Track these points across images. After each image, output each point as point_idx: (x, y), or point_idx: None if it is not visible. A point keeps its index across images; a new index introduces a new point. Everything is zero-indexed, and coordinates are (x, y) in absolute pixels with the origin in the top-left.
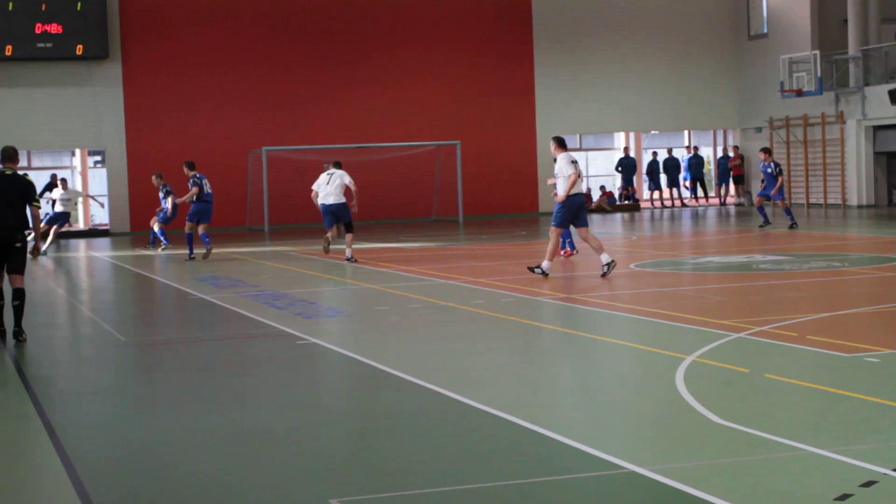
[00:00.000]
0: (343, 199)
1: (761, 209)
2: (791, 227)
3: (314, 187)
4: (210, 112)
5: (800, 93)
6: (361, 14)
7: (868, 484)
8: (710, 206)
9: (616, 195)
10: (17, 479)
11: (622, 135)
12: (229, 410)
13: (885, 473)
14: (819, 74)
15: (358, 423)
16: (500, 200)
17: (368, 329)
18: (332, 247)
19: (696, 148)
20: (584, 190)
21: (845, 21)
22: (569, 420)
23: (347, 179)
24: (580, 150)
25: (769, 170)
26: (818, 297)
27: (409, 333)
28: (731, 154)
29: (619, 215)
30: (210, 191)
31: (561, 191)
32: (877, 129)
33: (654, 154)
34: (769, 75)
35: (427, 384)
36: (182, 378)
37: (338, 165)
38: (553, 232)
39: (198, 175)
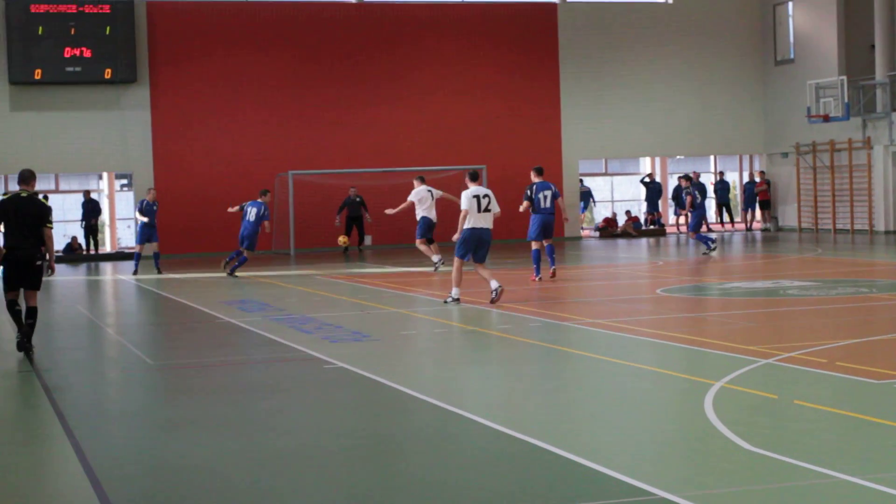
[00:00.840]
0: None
1: (700, 236)
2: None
3: (417, 200)
4: (236, 135)
5: (827, 118)
6: (387, 38)
7: None
8: (735, 231)
9: (641, 220)
10: (46, 500)
11: (648, 159)
12: (257, 434)
13: None
14: (846, 100)
15: (386, 447)
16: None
17: (395, 354)
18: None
19: (721, 173)
20: (483, 225)
21: (872, 46)
22: (599, 446)
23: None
24: (606, 174)
25: (686, 194)
26: (846, 323)
27: (435, 358)
28: (757, 179)
29: (644, 240)
30: (250, 219)
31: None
32: None
33: (680, 179)
34: (796, 100)
35: (454, 409)
36: (210, 401)
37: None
38: (455, 261)
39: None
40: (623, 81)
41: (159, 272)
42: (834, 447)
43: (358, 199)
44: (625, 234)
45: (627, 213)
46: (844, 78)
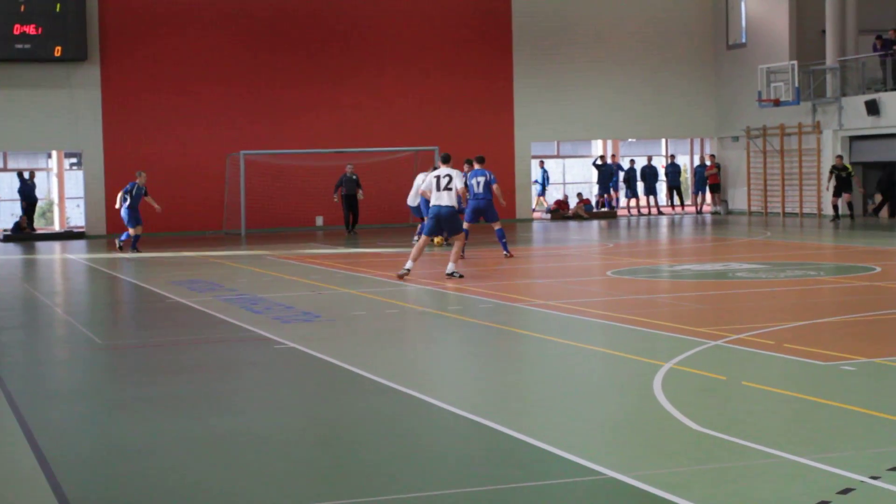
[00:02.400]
0: (455, 204)
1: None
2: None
3: (423, 186)
4: (188, 116)
5: (777, 102)
6: (342, 20)
7: (845, 491)
8: (686, 214)
9: (593, 202)
10: None
11: (600, 142)
12: (207, 414)
13: (861, 481)
14: (797, 84)
15: (336, 427)
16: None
17: (346, 334)
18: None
19: (672, 156)
20: (443, 203)
21: (823, 32)
22: (547, 426)
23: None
24: (558, 156)
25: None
26: (794, 305)
27: (386, 338)
28: (707, 163)
29: (595, 222)
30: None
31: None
32: (853, 139)
33: (632, 162)
34: (747, 85)
35: (405, 388)
36: (159, 381)
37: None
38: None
39: None
40: (576, 64)
41: (135, 251)
42: (781, 428)
43: (354, 177)
44: (576, 217)
45: (579, 195)
46: (795, 63)
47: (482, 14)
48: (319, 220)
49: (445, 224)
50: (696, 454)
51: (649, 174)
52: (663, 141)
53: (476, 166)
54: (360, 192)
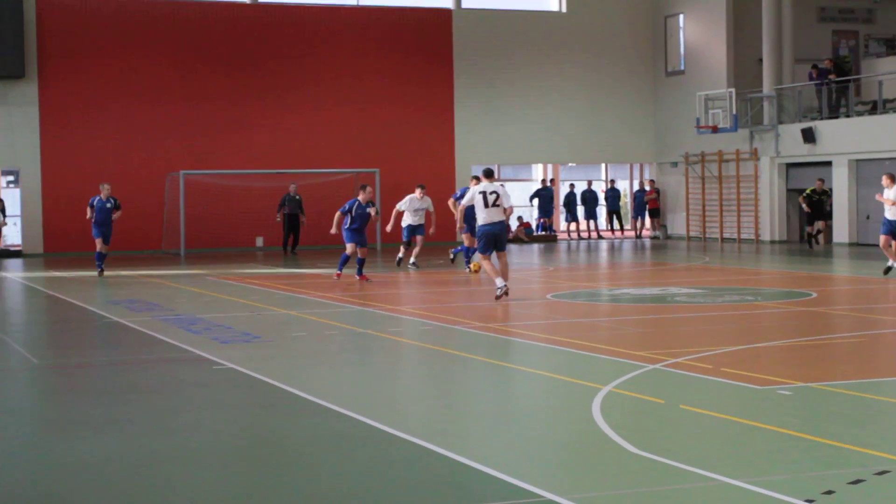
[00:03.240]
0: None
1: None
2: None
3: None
4: (127, 134)
5: (715, 129)
6: (281, 39)
7: None
8: (625, 238)
9: (533, 226)
10: None
11: (540, 166)
12: (144, 434)
13: None
14: (734, 112)
15: (274, 448)
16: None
17: (285, 355)
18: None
19: (612, 181)
20: (495, 220)
21: (760, 60)
22: (486, 448)
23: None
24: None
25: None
26: (732, 330)
27: (325, 360)
28: (647, 188)
29: (535, 246)
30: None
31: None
32: (789, 166)
33: (572, 186)
34: (685, 111)
35: (344, 410)
36: (96, 401)
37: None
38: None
39: None
40: (516, 89)
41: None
42: (718, 451)
43: (297, 198)
44: (517, 240)
45: (519, 218)
46: (733, 90)
47: (424, 37)
48: (260, 241)
49: (500, 241)
50: (633, 477)
51: (589, 198)
52: (603, 165)
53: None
54: (303, 217)
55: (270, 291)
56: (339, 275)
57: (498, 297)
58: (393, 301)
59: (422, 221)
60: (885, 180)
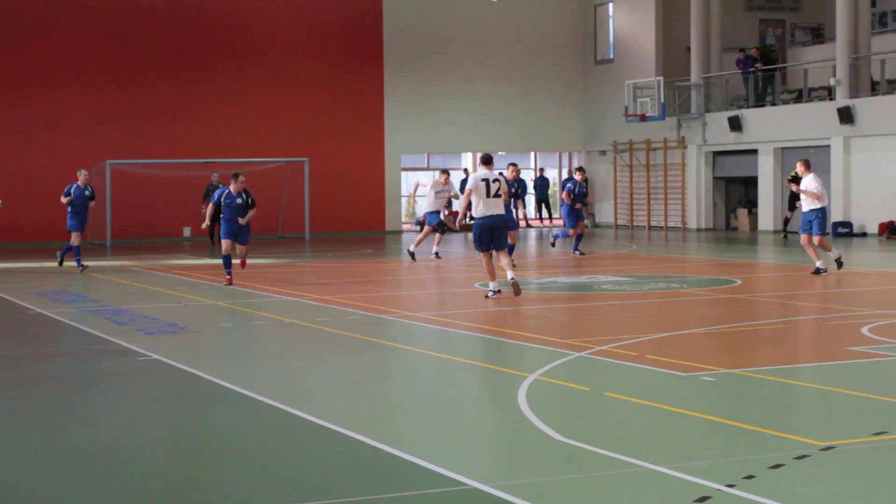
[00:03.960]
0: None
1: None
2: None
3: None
4: (50, 123)
5: (643, 118)
6: (209, 26)
7: (702, 499)
8: (554, 227)
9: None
10: None
11: (470, 155)
12: (63, 427)
13: (718, 489)
14: (662, 100)
15: (199, 440)
16: (348, 218)
17: (211, 346)
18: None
19: (542, 169)
20: (494, 212)
21: (688, 49)
22: (412, 437)
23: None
24: (428, 169)
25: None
26: (657, 317)
27: (252, 350)
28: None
29: (464, 234)
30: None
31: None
32: (716, 154)
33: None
34: (614, 100)
35: (270, 401)
36: (16, 394)
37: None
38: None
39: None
40: (447, 77)
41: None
42: (642, 437)
43: (220, 187)
44: (447, 228)
45: (447, 206)
46: (661, 79)
47: (353, 27)
48: (187, 231)
49: (499, 236)
50: (558, 464)
51: (518, 187)
52: (532, 154)
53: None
54: None
55: (197, 282)
56: (229, 280)
57: (487, 297)
58: (319, 291)
59: (438, 208)
60: (799, 167)
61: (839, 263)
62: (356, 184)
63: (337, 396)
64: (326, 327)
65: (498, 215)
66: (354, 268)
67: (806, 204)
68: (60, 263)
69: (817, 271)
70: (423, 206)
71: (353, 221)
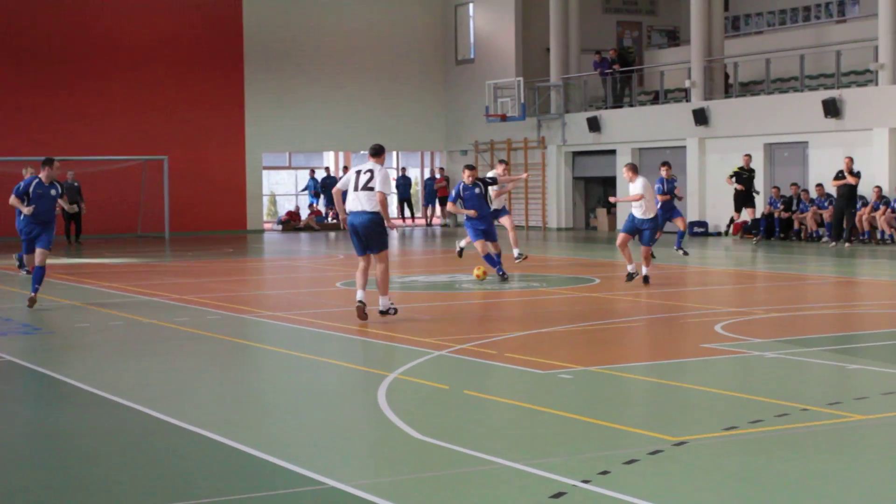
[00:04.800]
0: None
1: None
2: None
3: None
4: None
5: (504, 118)
6: (67, 24)
7: (558, 495)
8: (416, 226)
9: (324, 214)
10: None
11: (332, 154)
12: None
13: (573, 485)
14: (522, 100)
15: (55, 443)
16: (209, 217)
17: (67, 347)
18: None
19: (404, 169)
20: (356, 209)
21: (548, 50)
22: (271, 437)
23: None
24: (290, 168)
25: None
26: (517, 316)
27: (110, 351)
28: (437, 176)
29: (326, 234)
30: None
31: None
32: (576, 154)
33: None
34: (475, 100)
35: (128, 402)
36: None
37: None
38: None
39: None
40: (308, 75)
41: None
42: (500, 435)
43: (76, 185)
44: (307, 228)
45: (311, 206)
46: (521, 79)
47: (213, 23)
48: None
49: (368, 239)
50: (416, 462)
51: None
52: (394, 153)
53: (467, 172)
54: (83, 205)
55: (53, 282)
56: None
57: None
58: (179, 290)
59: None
60: (626, 173)
61: (630, 276)
62: (217, 182)
63: (196, 397)
64: (185, 327)
65: (364, 212)
66: (214, 267)
67: (639, 210)
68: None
69: (631, 276)
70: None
71: (213, 220)
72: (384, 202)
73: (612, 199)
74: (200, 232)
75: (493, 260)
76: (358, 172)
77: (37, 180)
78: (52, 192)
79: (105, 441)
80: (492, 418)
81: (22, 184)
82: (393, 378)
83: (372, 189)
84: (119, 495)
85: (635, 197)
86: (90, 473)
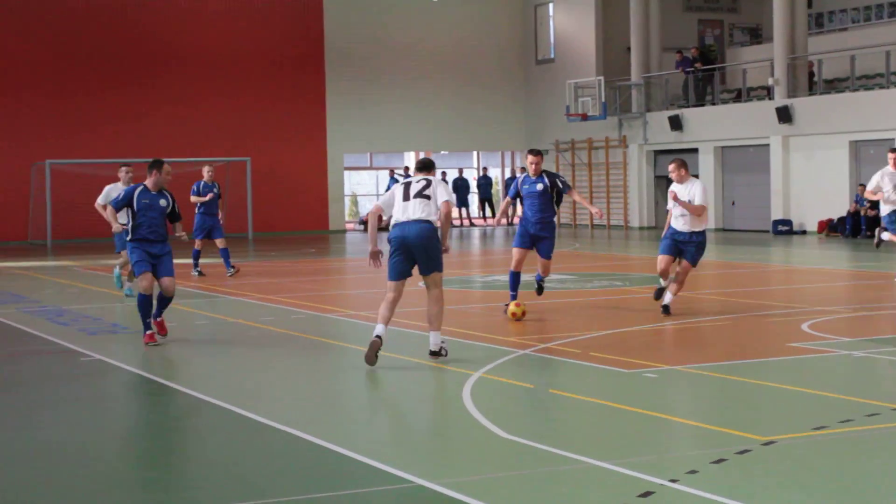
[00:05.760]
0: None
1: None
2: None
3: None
4: None
5: (585, 117)
6: (149, 26)
7: (646, 494)
8: (498, 225)
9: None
10: None
11: (412, 154)
12: (14, 428)
13: (661, 484)
14: (603, 100)
15: (147, 440)
16: (291, 218)
17: (156, 345)
18: None
19: (485, 169)
20: (410, 218)
21: (628, 49)
22: (359, 436)
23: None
24: (371, 168)
25: None
26: (601, 315)
27: (197, 349)
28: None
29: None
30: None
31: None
32: (657, 153)
33: (444, 174)
34: (556, 99)
35: (217, 401)
36: None
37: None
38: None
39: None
40: (388, 76)
41: None
42: (586, 434)
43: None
44: (388, 228)
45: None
46: (602, 78)
47: (294, 23)
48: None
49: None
50: (503, 461)
51: (461, 186)
52: (475, 153)
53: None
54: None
55: None
56: None
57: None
58: (264, 290)
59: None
60: (675, 171)
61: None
62: (299, 183)
63: (283, 396)
64: (271, 326)
65: (420, 221)
66: (297, 267)
67: (682, 222)
68: None
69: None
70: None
71: (295, 221)
72: (449, 214)
73: (674, 199)
74: (283, 233)
75: (516, 280)
76: (407, 185)
77: (141, 188)
78: (162, 202)
79: (194, 438)
80: (577, 417)
81: (123, 191)
82: (477, 377)
83: (429, 197)
84: (211, 490)
85: (694, 208)
86: (181, 469)
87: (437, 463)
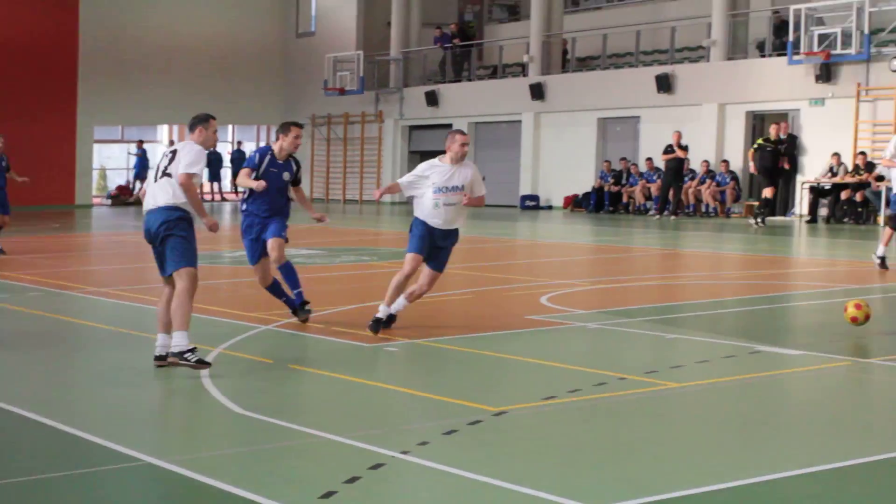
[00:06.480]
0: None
1: None
2: None
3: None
4: None
5: (342, 91)
6: None
7: (376, 467)
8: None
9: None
10: None
11: (166, 127)
12: None
13: (392, 456)
14: (361, 74)
15: None
16: (34, 191)
17: None
18: None
19: (240, 143)
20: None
21: (389, 24)
22: (90, 414)
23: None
24: (123, 141)
25: None
26: (346, 290)
27: None
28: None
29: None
30: None
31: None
32: (413, 128)
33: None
34: (315, 74)
35: None
36: None
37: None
38: None
39: None
40: (143, 48)
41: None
42: (322, 408)
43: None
44: (138, 203)
45: (137, 178)
46: (361, 53)
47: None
48: None
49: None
50: (235, 436)
51: (214, 160)
52: (230, 127)
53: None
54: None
55: None
56: None
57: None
58: (1, 267)
59: None
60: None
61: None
62: (44, 156)
63: (11, 375)
64: (4, 304)
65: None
66: (40, 243)
67: (439, 219)
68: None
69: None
70: None
71: (39, 195)
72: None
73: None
74: (27, 207)
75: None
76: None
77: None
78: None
79: None
80: (315, 392)
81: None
82: (217, 353)
83: (170, 175)
84: None
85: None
86: None
87: (170, 440)
